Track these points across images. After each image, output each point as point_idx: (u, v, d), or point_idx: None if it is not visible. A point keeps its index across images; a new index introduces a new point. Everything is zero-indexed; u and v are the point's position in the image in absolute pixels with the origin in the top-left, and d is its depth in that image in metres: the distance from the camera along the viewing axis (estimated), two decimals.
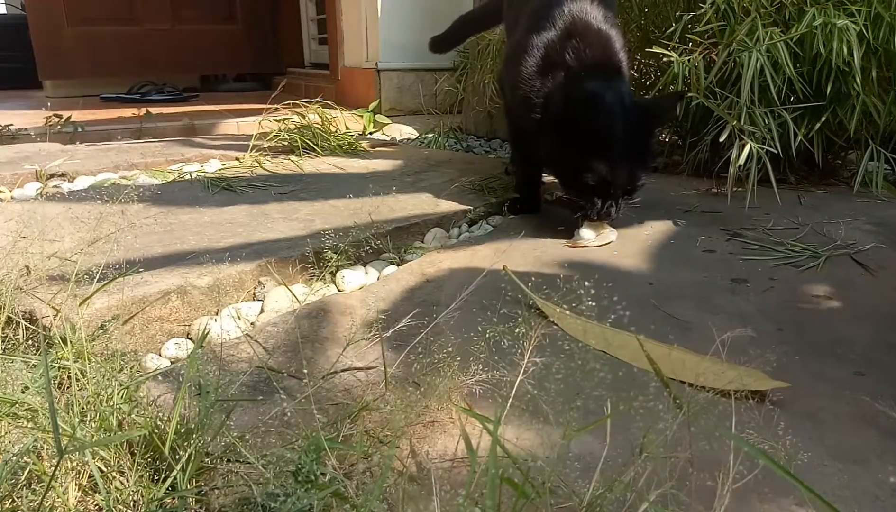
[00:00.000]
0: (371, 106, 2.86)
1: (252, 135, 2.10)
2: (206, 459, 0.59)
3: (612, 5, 1.49)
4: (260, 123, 2.12)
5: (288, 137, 2.09)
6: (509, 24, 1.65)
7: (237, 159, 1.99)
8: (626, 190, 1.25)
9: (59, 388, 0.73)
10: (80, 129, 2.43)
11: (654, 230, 1.33)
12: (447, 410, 0.70)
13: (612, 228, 1.29)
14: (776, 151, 1.44)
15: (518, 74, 1.36)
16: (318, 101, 2.29)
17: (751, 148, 1.40)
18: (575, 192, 1.28)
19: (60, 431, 0.51)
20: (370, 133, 2.67)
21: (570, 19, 1.34)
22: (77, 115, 2.55)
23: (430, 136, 2.53)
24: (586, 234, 1.27)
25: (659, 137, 1.92)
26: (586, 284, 0.65)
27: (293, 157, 2.00)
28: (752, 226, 1.33)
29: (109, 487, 0.56)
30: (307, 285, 1.12)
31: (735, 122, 1.43)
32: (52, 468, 0.53)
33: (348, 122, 2.54)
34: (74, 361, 0.71)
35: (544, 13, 1.37)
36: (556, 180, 1.73)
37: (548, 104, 1.30)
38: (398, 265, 1.21)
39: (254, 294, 1.07)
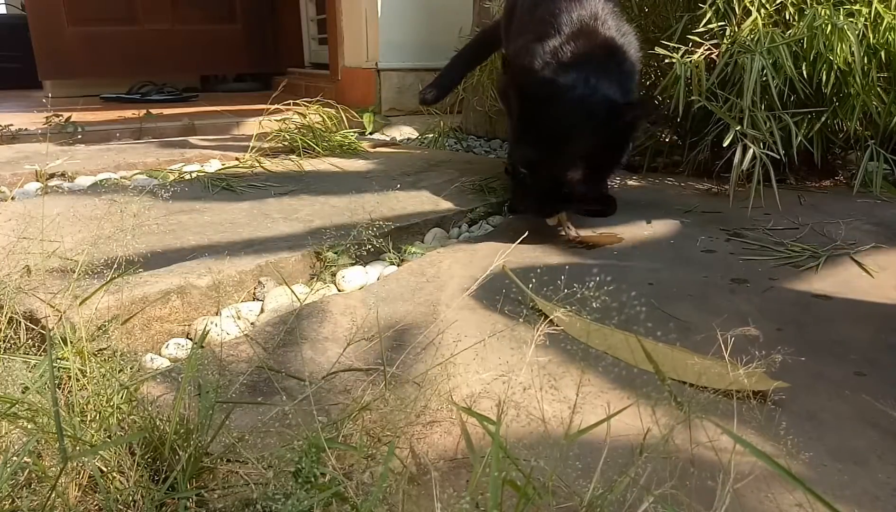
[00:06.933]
0: (371, 106, 2.85)
1: (252, 135, 2.09)
2: (206, 460, 0.59)
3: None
4: (260, 123, 2.12)
5: (288, 137, 2.09)
6: (510, 36, 1.61)
7: (237, 159, 1.99)
8: (555, 183, 1.22)
9: (59, 388, 0.73)
10: (80, 129, 2.43)
11: (655, 230, 1.33)
12: (448, 409, 0.70)
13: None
14: (779, 156, 1.44)
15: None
16: (318, 101, 2.29)
17: (753, 151, 1.40)
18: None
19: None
20: (370, 133, 2.67)
21: (577, 24, 1.33)
22: (77, 116, 2.55)
23: (430, 136, 2.53)
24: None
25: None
26: (587, 284, 0.65)
27: (293, 157, 2.00)
28: (752, 226, 1.33)
29: (109, 486, 0.56)
30: (307, 285, 1.12)
31: (738, 127, 1.43)
32: (56, 472, 0.53)
33: (348, 122, 2.54)
34: (74, 361, 0.71)
35: (548, 21, 1.36)
36: None
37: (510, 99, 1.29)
38: (398, 265, 1.21)
39: (254, 294, 1.07)
